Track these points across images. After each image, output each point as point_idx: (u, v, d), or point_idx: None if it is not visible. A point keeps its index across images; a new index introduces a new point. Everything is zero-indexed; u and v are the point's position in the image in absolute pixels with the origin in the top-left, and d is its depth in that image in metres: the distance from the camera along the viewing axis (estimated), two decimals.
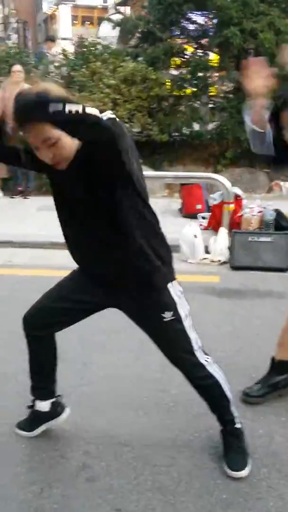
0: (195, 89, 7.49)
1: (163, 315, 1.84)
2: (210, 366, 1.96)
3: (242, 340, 3.08)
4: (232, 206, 4.86)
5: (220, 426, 2.07)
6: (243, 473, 1.97)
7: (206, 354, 1.97)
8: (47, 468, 2.02)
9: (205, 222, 5.35)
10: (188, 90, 7.54)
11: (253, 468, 2.01)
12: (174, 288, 1.86)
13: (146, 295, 1.84)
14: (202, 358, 1.94)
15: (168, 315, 1.84)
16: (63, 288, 2.01)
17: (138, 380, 2.63)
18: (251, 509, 1.83)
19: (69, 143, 1.65)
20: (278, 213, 4.69)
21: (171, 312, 1.84)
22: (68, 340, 3.02)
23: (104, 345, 2.97)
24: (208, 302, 3.68)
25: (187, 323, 1.88)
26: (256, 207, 4.75)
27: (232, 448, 2.03)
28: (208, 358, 1.96)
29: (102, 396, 2.49)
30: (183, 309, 1.87)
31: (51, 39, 10.06)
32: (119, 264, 1.80)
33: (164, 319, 1.84)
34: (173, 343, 1.91)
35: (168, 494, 1.89)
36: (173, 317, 1.85)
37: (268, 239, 4.44)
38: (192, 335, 1.91)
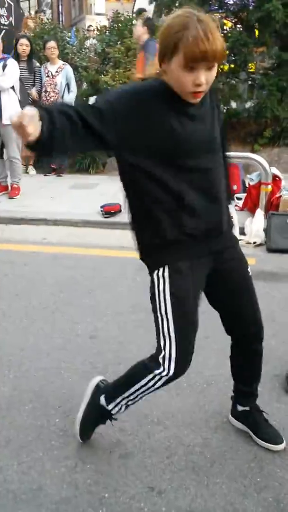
0: (233, 66, 7.28)
1: (249, 270, 1.87)
2: None
3: (278, 324, 3.01)
4: (270, 187, 4.73)
5: (248, 407, 2.07)
6: (283, 445, 2.00)
7: None
8: (81, 443, 2.03)
9: (240, 203, 5.24)
10: (226, 67, 7.33)
11: None
12: None
13: (238, 248, 1.87)
14: None
15: (249, 270, 1.87)
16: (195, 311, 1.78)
17: None
18: (286, 493, 1.81)
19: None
20: None
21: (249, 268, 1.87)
22: (104, 318, 3.05)
23: (141, 324, 2.96)
24: None
25: None
26: None
27: (263, 423, 2.05)
28: None
29: None
30: None
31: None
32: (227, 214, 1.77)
33: (250, 273, 1.87)
34: (256, 298, 1.90)
35: (202, 474, 1.88)
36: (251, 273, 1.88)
37: None
38: None
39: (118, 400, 1.85)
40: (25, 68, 6.39)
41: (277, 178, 4.88)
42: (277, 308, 3.24)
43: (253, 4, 7.23)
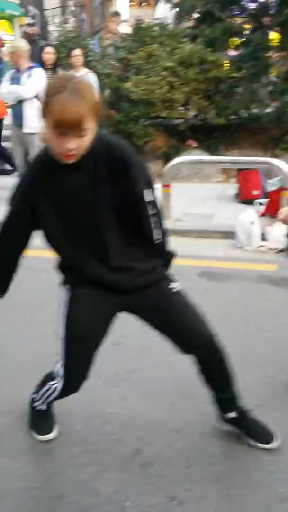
0: (254, 71, 7.25)
1: (171, 286, 1.87)
2: None
3: None
4: None
5: (235, 414, 2.05)
6: (277, 443, 2.02)
7: None
8: (103, 451, 2.05)
9: (262, 209, 5.20)
10: (247, 72, 7.30)
11: None
12: None
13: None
14: None
15: (175, 285, 1.88)
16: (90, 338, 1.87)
17: (194, 367, 2.60)
18: None
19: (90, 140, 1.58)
20: None
21: (176, 283, 1.89)
22: (127, 325, 3.06)
23: None
24: (265, 291, 3.58)
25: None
26: None
27: (252, 426, 2.04)
28: None
29: (158, 382, 2.49)
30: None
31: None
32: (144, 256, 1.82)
33: (174, 289, 1.87)
34: (193, 309, 1.91)
35: (224, 485, 1.87)
36: (178, 288, 1.89)
37: None
38: None
39: (37, 397, 2.07)
40: (50, 76, 6.47)
41: None
42: None
43: (274, 8, 7.20)
